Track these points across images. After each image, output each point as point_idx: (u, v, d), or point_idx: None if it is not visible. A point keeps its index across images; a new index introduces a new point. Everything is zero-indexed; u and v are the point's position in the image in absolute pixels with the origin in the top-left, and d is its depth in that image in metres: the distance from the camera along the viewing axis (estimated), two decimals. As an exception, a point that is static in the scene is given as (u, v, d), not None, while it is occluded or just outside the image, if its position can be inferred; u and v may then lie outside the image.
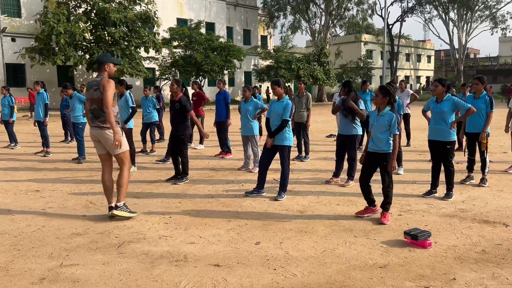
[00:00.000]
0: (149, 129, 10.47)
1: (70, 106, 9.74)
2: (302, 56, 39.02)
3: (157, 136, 12.19)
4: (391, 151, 5.04)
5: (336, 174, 7.14)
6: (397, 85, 11.58)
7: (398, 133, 5.07)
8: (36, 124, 10.37)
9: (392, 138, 5.05)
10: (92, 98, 5.08)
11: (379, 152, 5.03)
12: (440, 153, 6.04)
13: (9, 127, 11.28)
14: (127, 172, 5.23)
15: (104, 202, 5.90)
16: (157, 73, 32.81)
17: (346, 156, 7.06)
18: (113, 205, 5.19)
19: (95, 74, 30.64)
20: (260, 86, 35.90)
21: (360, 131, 7.00)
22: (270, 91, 6.38)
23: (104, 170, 5.30)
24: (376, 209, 5.20)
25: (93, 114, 5.11)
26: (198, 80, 32.50)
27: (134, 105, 8.22)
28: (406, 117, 10.90)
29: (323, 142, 12.37)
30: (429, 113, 6.45)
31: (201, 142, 11.30)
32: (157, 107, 10.65)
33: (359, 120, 6.94)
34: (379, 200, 5.24)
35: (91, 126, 5.18)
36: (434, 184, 6.21)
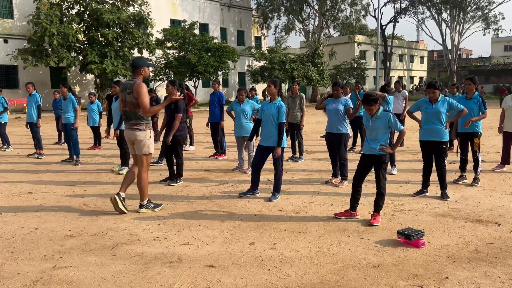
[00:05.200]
0: None
1: (62, 107, 9.40)
2: (296, 57, 39.07)
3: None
4: (387, 153, 5.03)
5: (335, 174, 7.17)
6: (392, 86, 11.62)
7: (403, 128, 5.09)
8: (28, 126, 10.29)
9: (388, 140, 5.06)
10: (125, 101, 5.34)
11: (376, 154, 5.00)
12: (435, 153, 6.07)
13: (1, 129, 11.20)
14: (145, 173, 5.48)
15: (98, 203, 5.90)
16: (151, 74, 32.72)
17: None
18: (121, 193, 5.45)
19: (88, 76, 30.54)
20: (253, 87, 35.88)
21: (348, 130, 7.03)
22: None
23: (133, 166, 5.62)
24: (355, 214, 5.17)
25: (125, 116, 5.43)
26: (192, 81, 32.50)
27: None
28: (399, 118, 10.96)
29: (317, 143, 12.39)
30: (416, 114, 6.47)
31: (191, 143, 11.26)
32: None
33: (347, 119, 7.00)
34: (363, 204, 5.25)
35: (125, 126, 5.51)
36: (426, 184, 6.25)
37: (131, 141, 5.47)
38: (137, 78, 5.31)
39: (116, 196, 5.37)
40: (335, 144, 6.98)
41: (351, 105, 6.93)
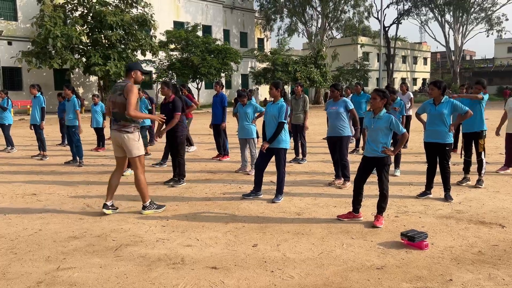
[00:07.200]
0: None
1: (66, 108, 9.45)
2: (299, 59, 39.09)
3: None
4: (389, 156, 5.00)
5: (338, 175, 7.17)
6: (398, 88, 11.64)
7: (405, 131, 5.04)
8: (32, 127, 10.33)
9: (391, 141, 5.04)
10: (115, 102, 5.29)
11: (377, 156, 4.97)
12: (438, 155, 6.05)
13: (5, 131, 11.25)
14: (141, 175, 5.43)
15: (101, 205, 5.89)
16: (154, 76, 32.78)
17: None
18: (107, 203, 5.43)
19: (92, 77, 30.62)
20: (257, 88, 35.83)
21: (350, 132, 7.03)
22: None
23: (115, 171, 5.58)
24: (358, 216, 5.15)
25: (114, 117, 5.35)
26: (195, 82, 32.55)
27: None
28: (407, 119, 10.92)
29: (320, 144, 12.37)
30: (423, 116, 6.46)
31: (191, 143, 11.23)
32: (149, 107, 10.69)
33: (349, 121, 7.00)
34: (366, 205, 5.22)
35: (112, 128, 5.40)
36: (429, 185, 6.23)
37: (118, 143, 5.37)
38: (128, 80, 5.32)
39: (104, 210, 5.41)
40: (337, 146, 6.99)
41: (351, 106, 6.94)
